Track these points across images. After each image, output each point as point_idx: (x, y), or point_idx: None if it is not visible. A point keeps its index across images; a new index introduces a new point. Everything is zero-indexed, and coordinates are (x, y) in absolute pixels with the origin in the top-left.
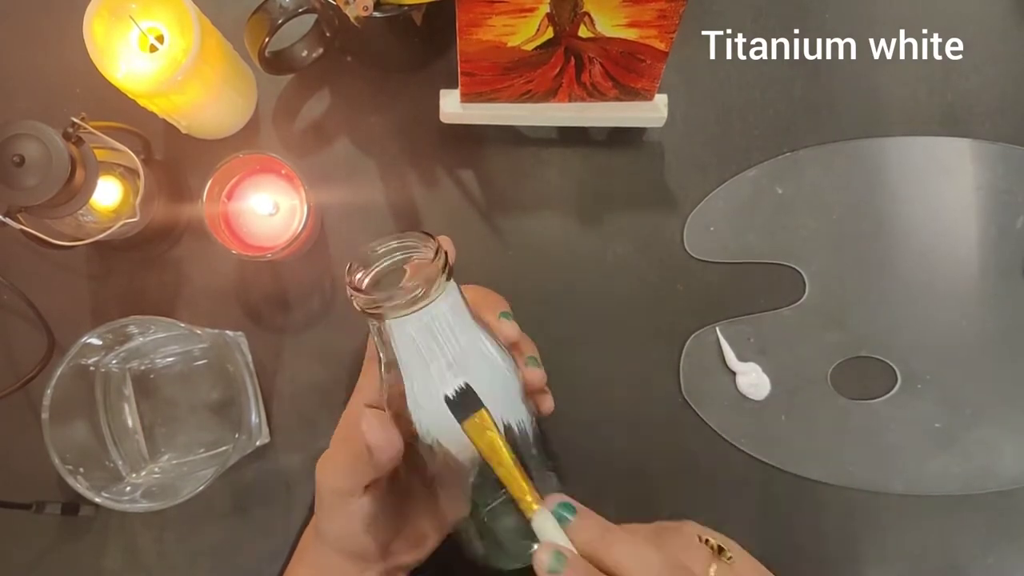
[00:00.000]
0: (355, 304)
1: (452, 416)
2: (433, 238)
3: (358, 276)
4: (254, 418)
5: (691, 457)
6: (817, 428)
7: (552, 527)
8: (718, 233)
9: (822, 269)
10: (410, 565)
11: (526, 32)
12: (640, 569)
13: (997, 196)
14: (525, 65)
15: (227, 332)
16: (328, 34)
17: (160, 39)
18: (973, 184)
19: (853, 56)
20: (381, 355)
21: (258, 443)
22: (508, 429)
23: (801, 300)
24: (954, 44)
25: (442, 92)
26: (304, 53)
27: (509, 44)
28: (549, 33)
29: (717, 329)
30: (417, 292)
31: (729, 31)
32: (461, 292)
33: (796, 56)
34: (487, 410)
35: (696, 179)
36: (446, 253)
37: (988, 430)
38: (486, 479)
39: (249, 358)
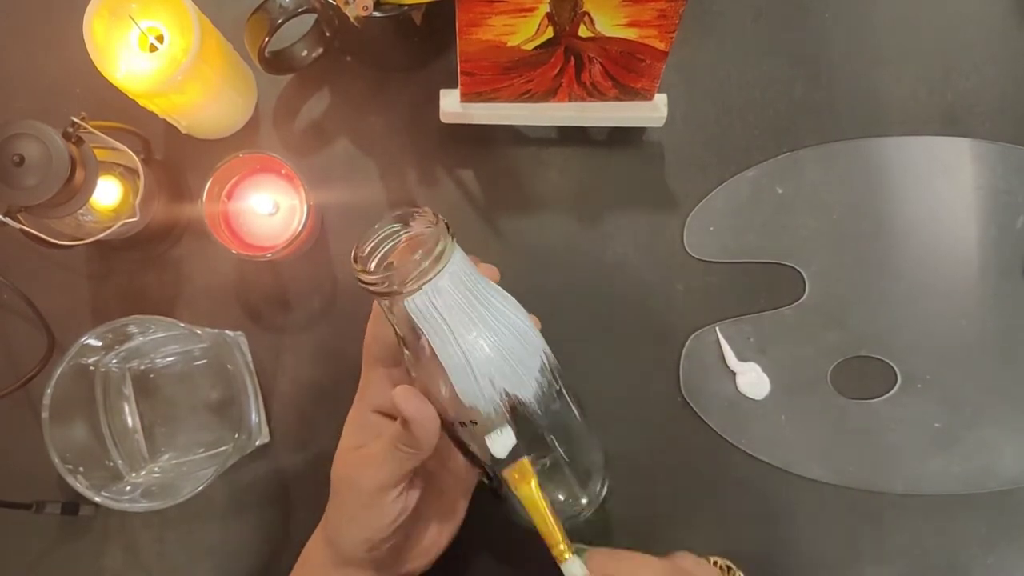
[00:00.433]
0: (374, 291)
1: (495, 373)
2: (421, 207)
3: (371, 264)
4: (254, 418)
5: (691, 457)
6: (817, 428)
7: (580, 570)
8: (718, 233)
9: (822, 269)
10: (418, 572)
11: (526, 32)
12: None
13: (997, 196)
14: (525, 65)
15: (227, 332)
16: (328, 34)
17: (160, 39)
18: (973, 184)
19: (853, 56)
20: (403, 336)
21: (258, 443)
22: (546, 356)
23: (801, 300)
24: (954, 44)
25: (442, 92)
26: (304, 53)
27: (509, 44)
28: (549, 33)
29: (717, 329)
30: (438, 248)
31: (729, 31)
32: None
33: (796, 56)
34: (528, 459)
35: (696, 179)
36: (439, 215)
37: (988, 430)
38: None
39: (249, 358)
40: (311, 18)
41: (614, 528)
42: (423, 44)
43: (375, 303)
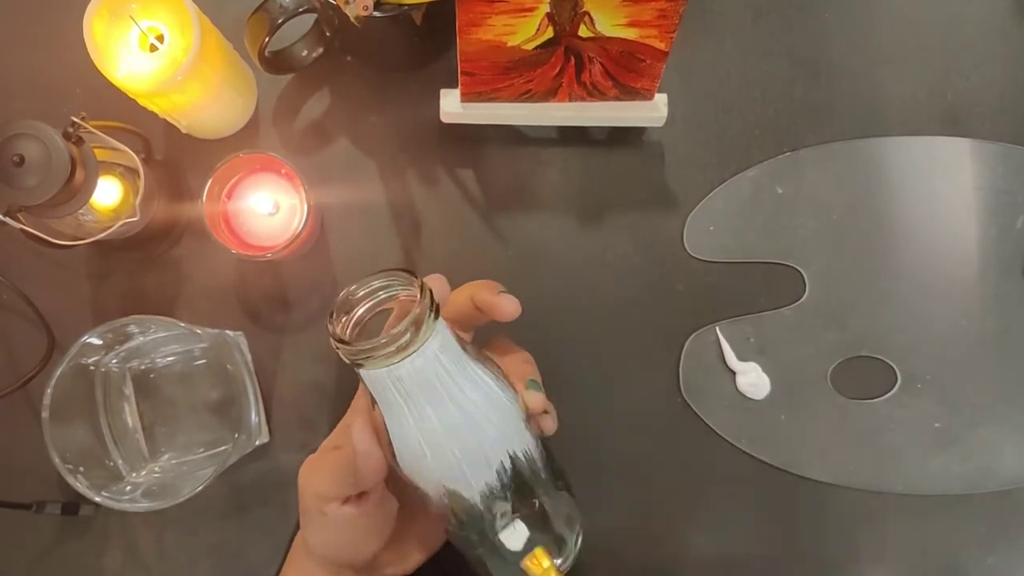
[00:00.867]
0: (340, 356)
1: (440, 467)
2: (416, 276)
3: (341, 323)
4: (254, 418)
5: (691, 457)
6: (817, 428)
7: None
8: (718, 233)
9: (822, 269)
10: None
11: (526, 32)
12: None
13: (997, 196)
14: (525, 65)
15: (227, 332)
16: (328, 34)
17: (160, 39)
18: (973, 184)
19: (853, 56)
20: (371, 394)
21: (257, 443)
22: (514, 459)
23: (801, 300)
24: (954, 44)
25: (442, 92)
26: (304, 53)
27: (509, 44)
28: (549, 33)
29: (717, 329)
30: (404, 339)
31: (729, 31)
32: (452, 330)
33: (796, 56)
34: (542, 548)
35: (696, 179)
36: (431, 292)
37: (988, 430)
38: (489, 509)
39: (249, 358)
40: (311, 18)
41: (613, 528)
42: (423, 44)
43: None
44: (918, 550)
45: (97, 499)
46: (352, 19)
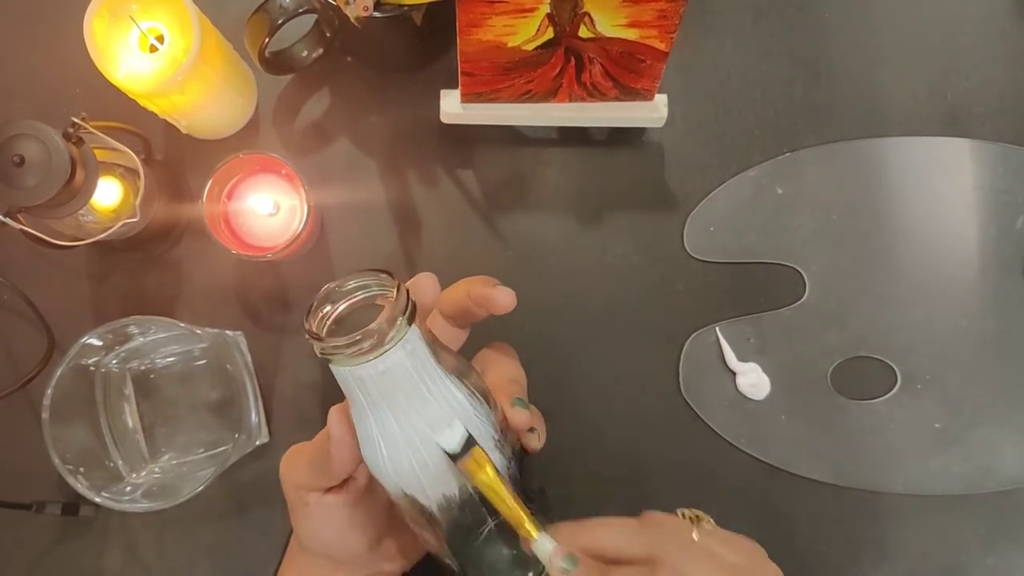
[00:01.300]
0: (315, 349)
1: (397, 472)
2: (392, 277)
3: (319, 316)
4: (254, 418)
5: (691, 457)
6: (817, 428)
7: (551, 545)
8: (718, 233)
9: (822, 269)
10: (395, 572)
11: (526, 32)
12: (614, 535)
13: (997, 196)
14: (525, 65)
15: (227, 332)
16: (328, 34)
17: (160, 39)
18: (973, 184)
19: (853, 56)
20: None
21: (258, 443)
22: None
23: (801, 300)
24: (954, 44)
25: (442, 92)
26: (304, 53)
27: (509, 44)
28: (549, 33)
29: (717, 329)
30: (369, 342)
31: (729, 31)
32: (425, 336)
33: (796, 56)
34: (482, 449)
35: (696, 179)
36: (407, 295)
37: (988, 430)
38: (465, 516)
39: (249, 358)
40: (311, 18)
41: None
42: (423, 44)
43: None
44: (918, 550)
45: (97, 499)
46: (352, 19)
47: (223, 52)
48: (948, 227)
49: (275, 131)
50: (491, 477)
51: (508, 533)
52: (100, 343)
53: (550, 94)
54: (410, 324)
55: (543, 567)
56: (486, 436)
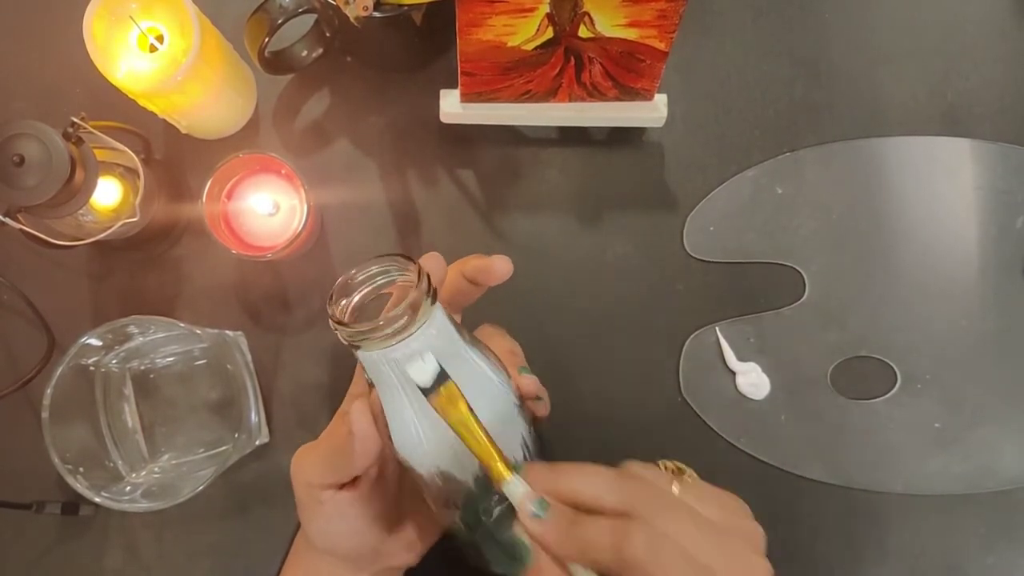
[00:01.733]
0: (339, 337)
1: (435, 449)
2: (413, 261)
3: (340, 306)
4: (254, 417)
5: (691, 457)
6: (817, 428)
7: (523, 488)
8: (718, 233)
9: (822, 269)
10: (402, 567)
11: (526, 32)
12: (590, 484)
13: (997, 196)
14: (525, 65)
15: (227, 332)
16: (328, 34)
17: (160, 39)
18: (973, 184)
19: (853, 56)
20: (367, 376)
21: (258, 443)
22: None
23: (801, 300)
24: (954, 44)
25: (442, 92)
26: (304, 53)
27: (509, 44)
28: (549, 33)
29: (717, 329)
30: (400, 323)
31: (729, 31)
32: (448, 314)
33: (796, 56)
34: (454, 382)
35: (696, 179)
36: (428, 277)
37: (988, 430)
38: (483, 492)
39: (249, 358)
40: (311, 18)
41: None
42: (423, 44)
43: None
44: (918, 550)
45: (97, 499)
46: (352, 19)
47: (223, 52)
48: (948, 227)
49: (275, 131)
50: (464, 413)
51: None
52: (100, 343)
53: (550, 94)
54: (434, 302)
55: None
56: (510, 403)
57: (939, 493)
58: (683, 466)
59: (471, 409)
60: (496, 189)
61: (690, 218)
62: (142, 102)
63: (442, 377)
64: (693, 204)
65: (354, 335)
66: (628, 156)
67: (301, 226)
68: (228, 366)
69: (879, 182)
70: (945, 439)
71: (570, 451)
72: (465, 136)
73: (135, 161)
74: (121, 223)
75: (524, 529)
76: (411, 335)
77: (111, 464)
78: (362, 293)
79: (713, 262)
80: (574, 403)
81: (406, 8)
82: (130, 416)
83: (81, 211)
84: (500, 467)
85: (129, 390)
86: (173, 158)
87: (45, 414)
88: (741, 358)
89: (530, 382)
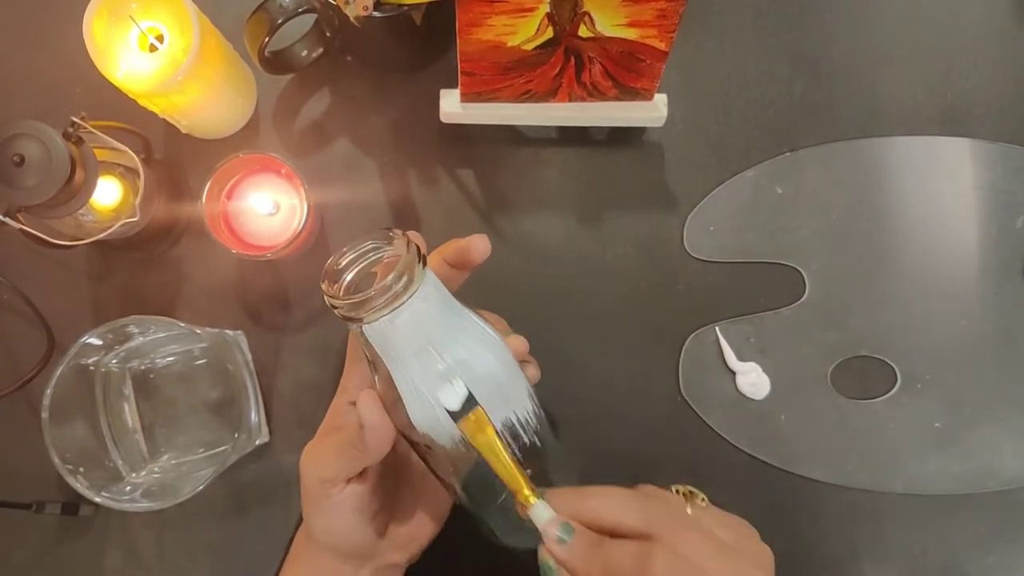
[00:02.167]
0: (337, 313)
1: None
2: (399, 233)
3: (334, 285)
4: (253, 417)
5: (691, 457)
6: (817, 428)
7: (548, 513)
8: (718, 233)
9: (822, 269)
10: (403, 563)
11: (526, 32)
12: (611, 506)
13: (997, 196)
14: (525, 65)
15: (227, 332)
16: (328, 34)
17: (160, 39)
18: (973, 184)
19: (853, 56)
20: (367, 354)
21: (258, 442)
22: (529, 392)
23: (801, 300)
24: (954, 44)
25: (442, 92)
26: (304, 53)
27: (509, 44)
28: (549, 33)
29: (717, 329)
30: (397, 287)
31: (729, 31)
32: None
33: (796, 56)
34: (482, 408)
35: (696, 179)
36: (417, 245)
37: (988, 430)
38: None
39: (249, 357)
40: (311, 18)
41: None
42: (423, 44)
43: None
44: (918, 550)
45: (97, 499)
46: (352, 19)
47: (223, 52)
48: (948, 227)
49: (275, 131)
50: (491, 437)
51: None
52: (100, 343)
53: (550, 94)
54: (424, 266)
55: None
56: (511, 364)
57: (939, 493)
58: (695, 490)
59: (499, 433)
60: (496, 189)
61: (690, 218)
62: (142, 102)
63: (471, 402)
64: (693, 204)
65: (354, 307)
66: (628, 156)
67: (301, 226)
68: (228, 366)
69: (879, 182)
70: (945, 439)
71: (569, 451)
72: (465, 136)
73: (135, 161)
74: (121, 223)
75: (549, 553)
76: (411, 296)
77: (111, 464)
78: (355, 270)
79: (713, 262)
80: (574, 403)
81: (406, 8)
82: (130, 416)
83: (81, 211)
84: (527, 492)
85: (129, 390)
86: (173, 158)
87: (45, 414)
88: (741, 358)
89: (520, 342)
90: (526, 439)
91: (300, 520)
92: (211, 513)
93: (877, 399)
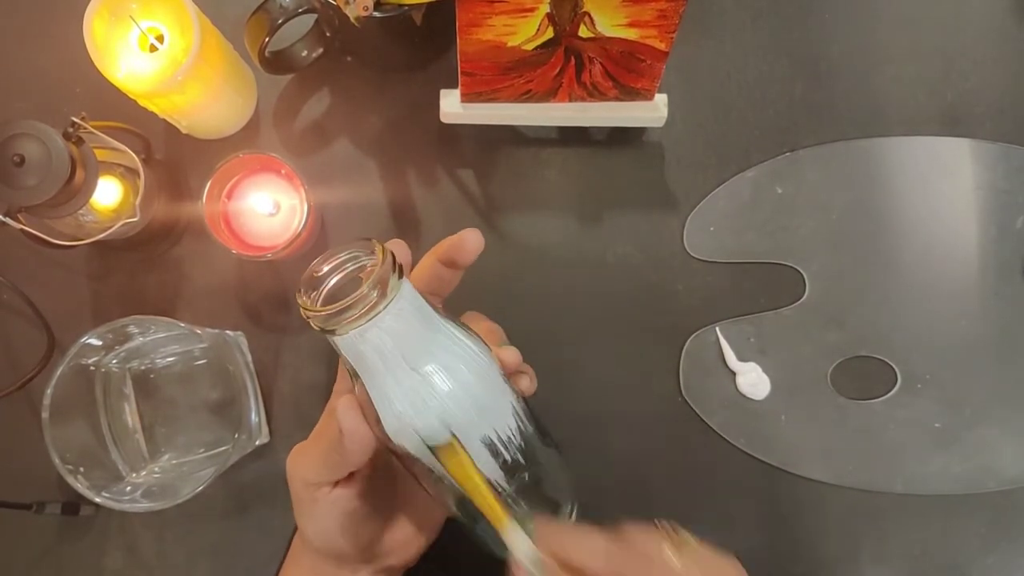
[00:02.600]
0: (312, 325)
1: (426, 425)
2: (376, 243)
3: (311, 296)
4: (254, 418)
5: (691, 457)
6: (817, 428)
7: (524, 545)
8: (718, 233)
9: (822, 269)
10: (399, 568)
11: (526, 32)
12: (585, 552)
13: (997, 196)
14: (525, 65)
15: (227, 332)
16: (328, 34)
17: (160, 39)
18: (973, 184)
19: (853, 56)
20: (345, 364)
21: (258, 443)
22: (512, 408)
23: (801, 300)
24: (954, 44)
25: (442, 92)
26: (304, 53)
27: (509, 44)
28: (549, 33)
29: (717, 329)
30: (368, 301)
31: (729, 31)
32: (421, 292)
33: (796, 56)
34: (456, 437)
35: (696, 179)
36: (392, 253)
37: (988, 430)
38: (512, 453)
39: (249, 358)
40: (311, 18)
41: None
42: (423, 44)
43: None
44: (918, 550)
45: (97, 499)
46: (352, 19)
47: (223, 52)
48: (948, 227)
49: (275, 131)
50: (465, 465)
51: (532, 484)
52: (100, 343)
53: (550, 94)
54: (401, 276)
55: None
56: (495, 372)
57: (939, 493)
58: (679, 528)
59: (474, 463)
60: (496, 189)
61: (690, 218)
62: (142, 102)
63: (443, 424)
64: (693, 204)
65: (326, 319)
66: (628, 156)
67: (301, 226)
68: (228, 366)
69: (879, 182)
70: (945, 439)
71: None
72: (465, 136)
73: (135, 161)
74: (121, 223)
75: None
76: (383, 311)
77: (111, 464)
78: (332, 281)
79: (713, 262)
80: (574, 403)
81: (406, 8)
82: (130, 416)
83: (81, 211)
84: (504, 521)
85: (129, 390)
86: (173, 158)
87: (45, 414)
88: (741, 358)
89: (511, 354)
90: (507, 456)
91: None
92: (211, 513)
93: (877, 399)
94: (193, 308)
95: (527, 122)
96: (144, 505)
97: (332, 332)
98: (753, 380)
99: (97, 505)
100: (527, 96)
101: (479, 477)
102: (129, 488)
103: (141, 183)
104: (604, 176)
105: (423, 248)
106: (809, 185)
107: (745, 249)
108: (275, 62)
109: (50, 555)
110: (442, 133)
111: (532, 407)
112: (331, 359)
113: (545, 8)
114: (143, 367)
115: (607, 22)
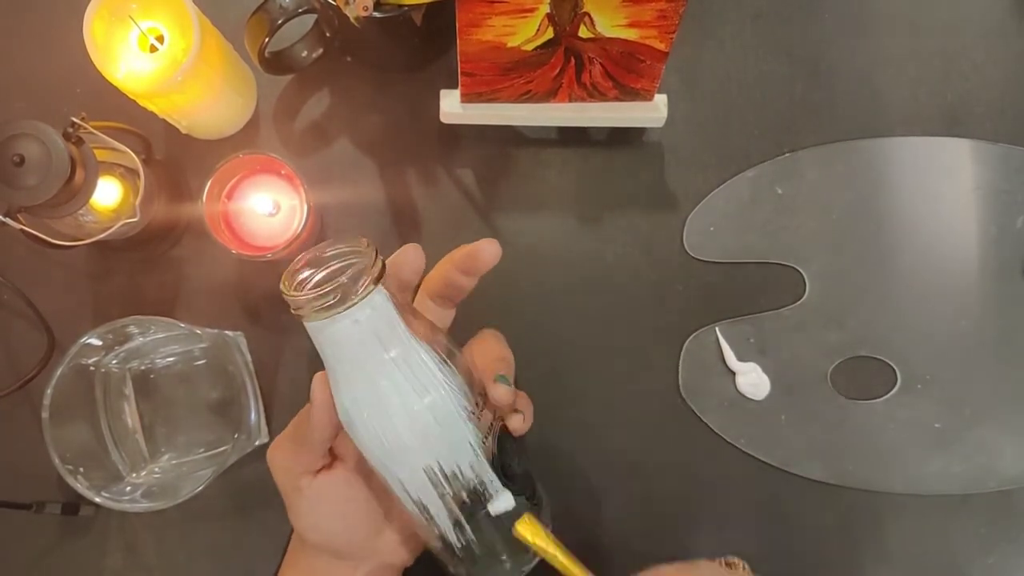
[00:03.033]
0: (292, 309)
1: (373, 435)
2: (367, 243)
3: (296, 280)
4: (253, 418)
5: (691, 457)
6: (817, 428)
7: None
8: (718, 233)
9: (822, 269)
10: (398, 566)
11: (526, 32)
12: None
13: (997, 196)
14: (525, 65)
15: (227, 332)
16: (328, 34)
17: (160, 39)
18: (973, 184)
19: (853, 56)
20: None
21: (258, 443)
22: (446, 458)
23: (801, 300)
24: (954, 44)
25: (442, 92)
26: (304, 53)
27: (509, 44)
28: (549, 33)
29: (717, 329)
30: (330, 297)
31: (729, 31)
32: (396, 301)
33: (796, 56)
34: (531, 515)
35: (696, 179)
36: (380, 262)
37: (988, 430)
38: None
39: (249, 358)
40: (311, 18)
41: (613, 528)
42: (423, 44)
43: None
44: (918, 550)
45: (97, 499)
46: (352, 20)
47: (223, 52)
48: (948, 227)
49: (275, 131)
50: (543, 538)
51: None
52: (100, 343)
53: (550, 94)
54: (376, 284)
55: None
56: (457, 405)
57: (939, 493)
58: (735, 559)
59: (551, 536)
60: (496, 189)
61: (690, 218)
62: (142, 102)
63: (520, 508)
64: (693, 204)
65: (295, 301)
66: (628, 156)
67: (301, 226)
68: (228, 366)
69: (879, 182)
70: (945, 439)
71: (568, 452)
72: (465, 136)
73: (135, 161)
74: (121, 223)
75: None
76: (346, 310)
77: (111, 464)
78: (323, 273)
79: (713, 262)
80: (573, 403)
81: (406, 8)
82: (130, 416)
83: (81, 211)
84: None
85: (129, 390)
86: (173, 158)
87: (45, 414)
88: (741, 358)
89: (504, 392)
90: (450, 491)
91: None
92: (211, 513)
93: (877, 399)
94: (193, 308)
95: (527, 122)
96: (144, 505)
97: (301, 317)
98: (753, 380)
99: (97, 505)
100: (527, 96)
101: (559, 548)
102: (129, 488)
103: (141, 183)
104: (604, 176)
105: (424, 250)
106: (809, 185)
107: (745, 249)
108: (275, 62)
109: (50, 555)
110: (442, 133)
111: (511, 448)
112: None
113: (545, 8)
114: (143, 367)
115: (607, 22)
